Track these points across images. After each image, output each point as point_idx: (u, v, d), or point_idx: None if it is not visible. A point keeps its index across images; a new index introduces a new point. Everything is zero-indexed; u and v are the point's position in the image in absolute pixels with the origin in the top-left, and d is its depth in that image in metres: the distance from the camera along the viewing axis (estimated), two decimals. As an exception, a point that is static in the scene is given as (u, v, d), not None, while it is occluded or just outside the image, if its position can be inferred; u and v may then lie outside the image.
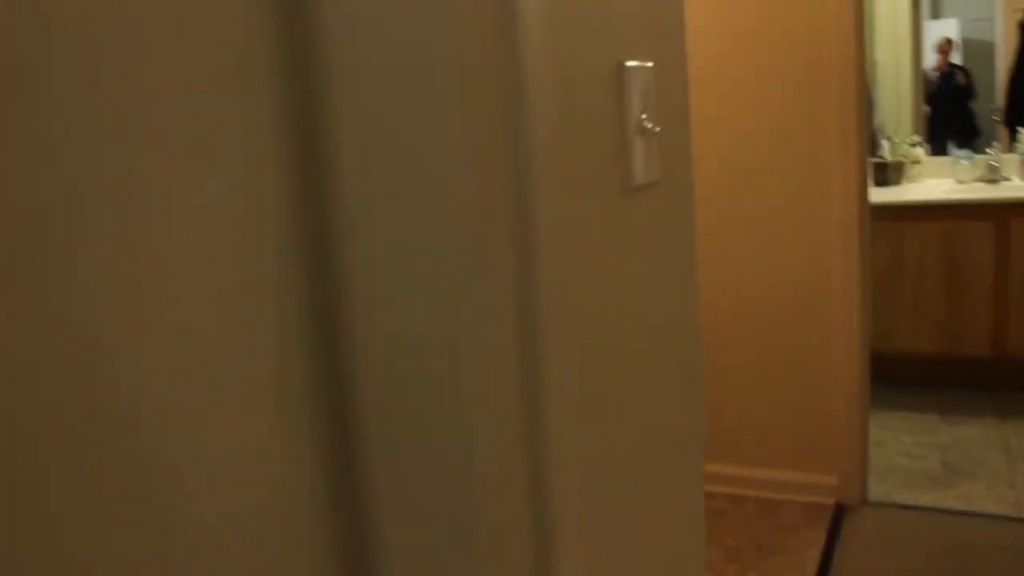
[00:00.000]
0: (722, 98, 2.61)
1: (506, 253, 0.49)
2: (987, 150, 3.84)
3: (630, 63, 0.77)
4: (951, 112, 4.03)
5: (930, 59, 4.01)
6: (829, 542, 2.47)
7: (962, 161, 3.85)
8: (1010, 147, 3.85)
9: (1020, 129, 3.84)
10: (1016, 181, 3.75)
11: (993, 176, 3.76)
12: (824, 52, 2.45)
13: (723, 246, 2.71)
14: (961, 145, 3.96)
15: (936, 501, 2.65)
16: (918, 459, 2.99)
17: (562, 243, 0.56)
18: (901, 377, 3.63)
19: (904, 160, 3.95)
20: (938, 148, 4.02)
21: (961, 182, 3.80)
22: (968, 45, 3.95)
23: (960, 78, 3.97)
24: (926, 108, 4.08)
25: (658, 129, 0.81)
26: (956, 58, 3.97)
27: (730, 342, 2.77)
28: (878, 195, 3.57)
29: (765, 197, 2.62)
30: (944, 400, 3.48)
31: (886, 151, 3.99)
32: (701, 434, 1.00)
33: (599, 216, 0.70)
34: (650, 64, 0.82)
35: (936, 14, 4.02)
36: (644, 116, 0.80)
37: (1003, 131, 3.90)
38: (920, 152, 4.00)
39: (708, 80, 2.61)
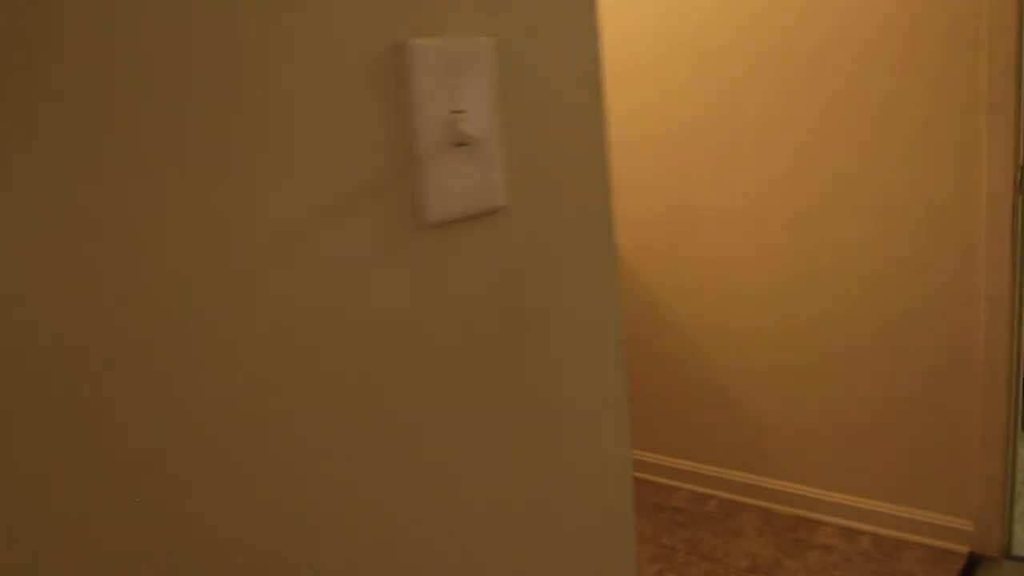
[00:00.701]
0: (831, 68, 2.19)
1: None
2: None
3: (418, 42, 0.52)
4: None
5: None
6: (953, 602, 2.06)
7: None
8: None
9: None
10: None
11: None
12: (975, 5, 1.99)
13: (839, 247, 2.30)
14: None
15: (1104, 562, 2.15)
16: (1092, 502, 2.46)
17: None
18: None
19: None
20: None
21: None
22: None
23: None
24: None
25: (481, 134, 0.56)
26: None
27: (851, 352, 2.37)
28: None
29: (893, 184, 2.19)
30: None
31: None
32: None
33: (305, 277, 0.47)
34: (482, 40, 0.57)
35: None
36: (462, 116, 0.55)
37: None
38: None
39: (822, 51, 2.20)
